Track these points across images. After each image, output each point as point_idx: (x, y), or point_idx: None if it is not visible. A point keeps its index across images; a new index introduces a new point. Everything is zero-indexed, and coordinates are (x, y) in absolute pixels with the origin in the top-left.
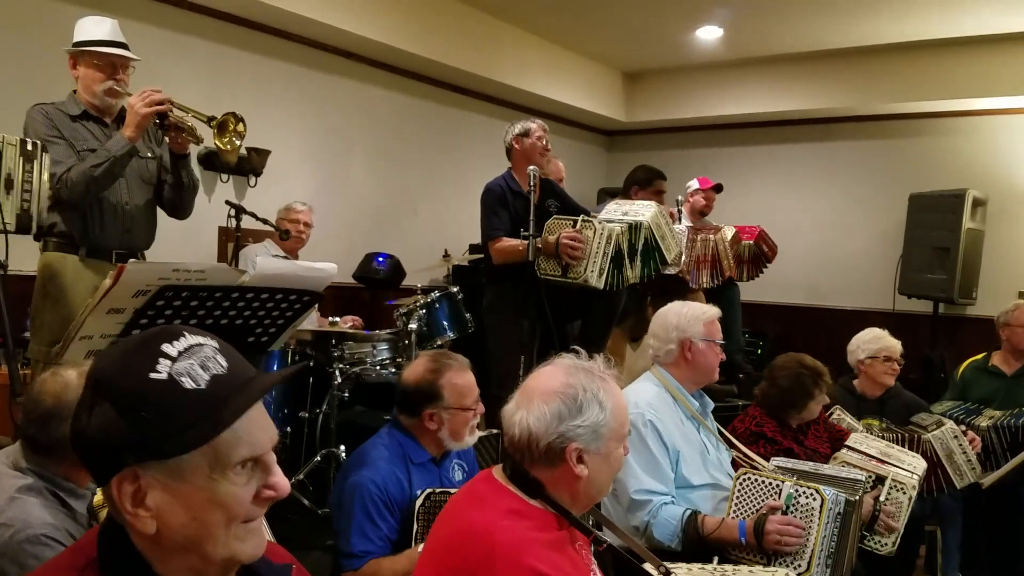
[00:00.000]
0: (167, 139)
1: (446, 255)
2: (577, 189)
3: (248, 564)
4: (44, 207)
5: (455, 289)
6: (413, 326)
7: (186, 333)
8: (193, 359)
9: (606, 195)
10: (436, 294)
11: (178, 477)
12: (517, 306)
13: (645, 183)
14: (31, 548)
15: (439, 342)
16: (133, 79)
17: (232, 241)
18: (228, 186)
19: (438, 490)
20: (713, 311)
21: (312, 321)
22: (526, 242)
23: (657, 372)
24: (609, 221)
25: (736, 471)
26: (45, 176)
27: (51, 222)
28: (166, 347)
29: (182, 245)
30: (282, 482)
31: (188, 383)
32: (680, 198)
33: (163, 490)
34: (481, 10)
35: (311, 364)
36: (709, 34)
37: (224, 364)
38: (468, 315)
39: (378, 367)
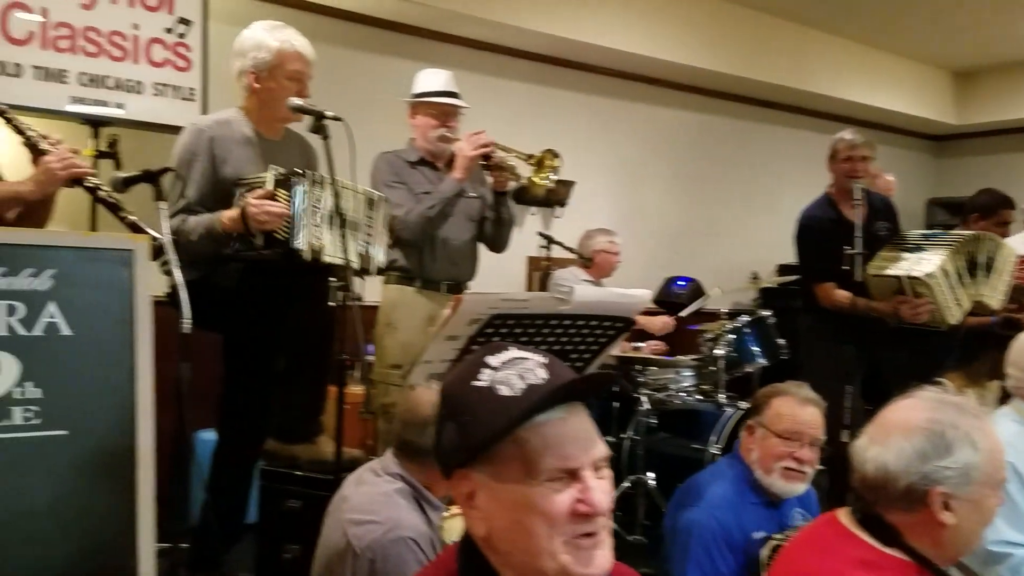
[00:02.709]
0: (491, 178)
1: (755, 277)
2: (902, 200)
3: None
4: (383, 254)
5: (767, 313)
6: (720, 352)
7: (511, 348)
8: (512, 370)
9: (936, 206)
10: (745, 318)
11: (498, 479)
12: (839, 331)
13: (988, 211)
14: (395, 549)
15: (748, 369)
16: (459, 125)
17: (539, 270)
18: (536, 218)
19: (777, 536)
20: None
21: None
22: (857, 299)
23: (1018, 407)
24: (919, 248)
25: None
26: (383, 226)
27: (392, 258)
28: (489, 359)
29: (495, 275)
30: (595, 497)
31: (504, 391)
32: None
33: (487, 491)
34: (786, 19)
35: (617, 387)
36: None
37: (544, 376)
38: (781, 341)
39: (682, 393)
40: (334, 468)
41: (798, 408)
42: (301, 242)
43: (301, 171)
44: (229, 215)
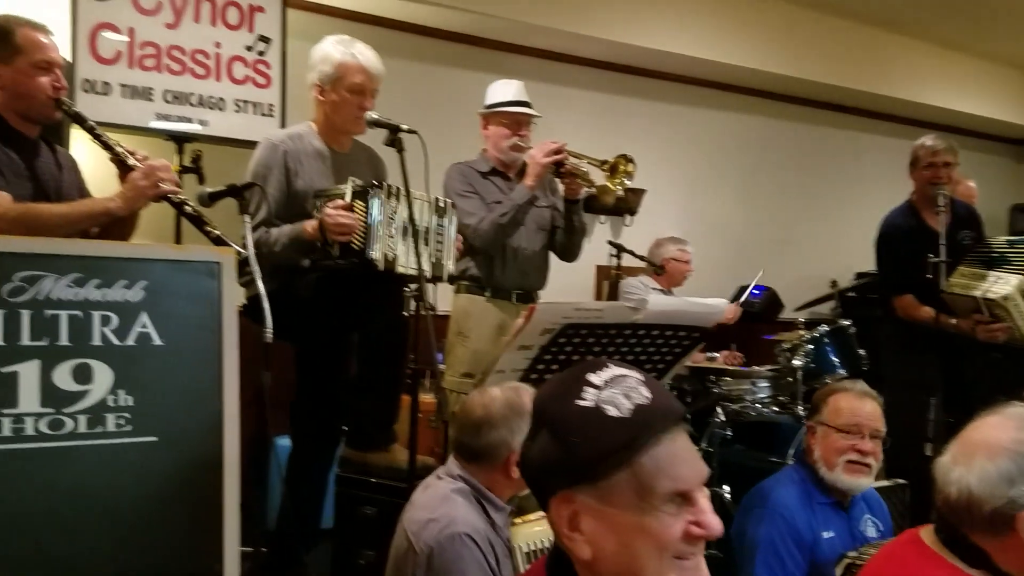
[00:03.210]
0: (562, 186)
1: (833, 285)
2: (984, 207)
3: None
4: (453, 261)
5: (847, 323)
6: (798, 363)
7: (610, 364)
8: (617, 388)
9: (1020, 212)
10: (824, 328)
11: (607, 503)
12: (921, 341)
13: None
14: (451, 545)
15: (828, 380)
16: (531, 135)
17: (608, 279)
18: (606, 227)
19: (850, 553)
20: None
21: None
22: (939, 316)
23: None
24: (995, 262)
25: None
26: (454, 231)
27: (463, 267)
28: (591, 377)
29: (564, 285)
30: (712, 521)
31: (612, 411)
32: None
33: (594, 515)
34: (862, 22)
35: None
36: None
37: (648, 395)
38: (862, 351)
39: (758, 405)
40: (408, 476)
41: (856, 402)
42: (376, 252)
43: (378, 183)
44: (312, 224)
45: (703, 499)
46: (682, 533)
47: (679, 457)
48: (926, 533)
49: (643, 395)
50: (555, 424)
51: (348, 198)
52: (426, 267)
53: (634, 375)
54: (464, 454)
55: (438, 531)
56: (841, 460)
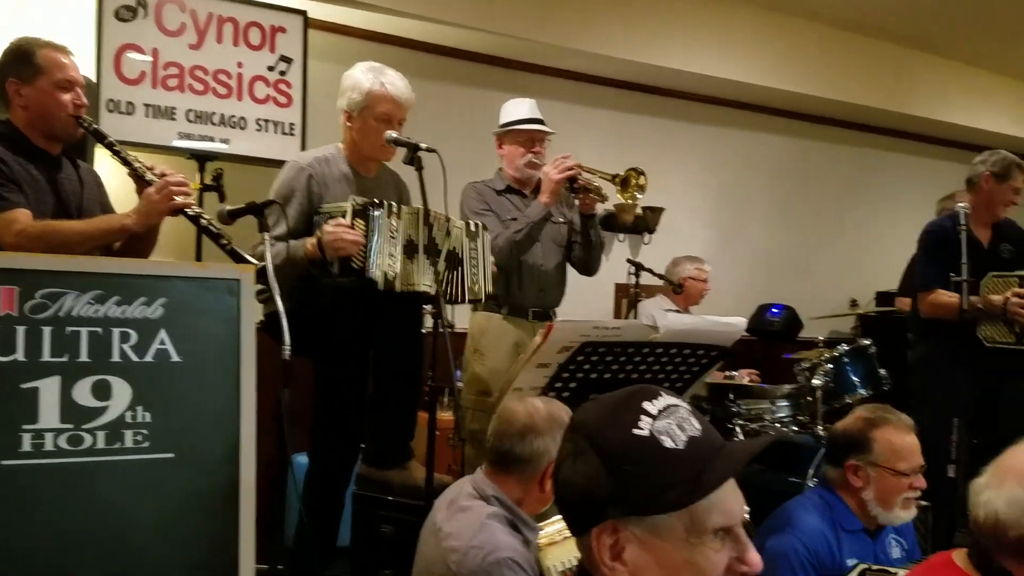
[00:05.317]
0: (577, 201)
1: (853, 304)
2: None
3: None
4: (491, 282)
5: (867, 342)
6: (818, 382)
7: (663, 393)
8: (672, 419)
9: None
10: (845, 347)
11: (656, 536)
12: (952, 362)
13: None
14: (498, 571)
15: (848, 400)
16: (548, 153)
17: (627, 297)
18: (624, 245)
19: (874, 567)
20: None
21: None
22: (969, 298)
23: None
24: None
25: None
26: (488, 255)
27: None
28: (647, 405)
29: (582, 302)
30: (756, 558)
31: (668, 442)
32: None
33: (640, 547)
34: (884, 40)
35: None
36: None
37: (698, 427)
38: (883, 371)
39: (778, 424)
40: (425, 494)
41: (908, 438)
42: (376, 271)
43: (379, 201)
44: (311, 241)
45: (744, 534)
46: (726, 569)
47: (730, 493)
48: (958, 556)
49: (695, 427)
50: (608, 450)
51: (348, 216)
52: (430, 286)
53: (684, 405)
54: (502, 462)
55: (482, 558)
56: (900, 499)
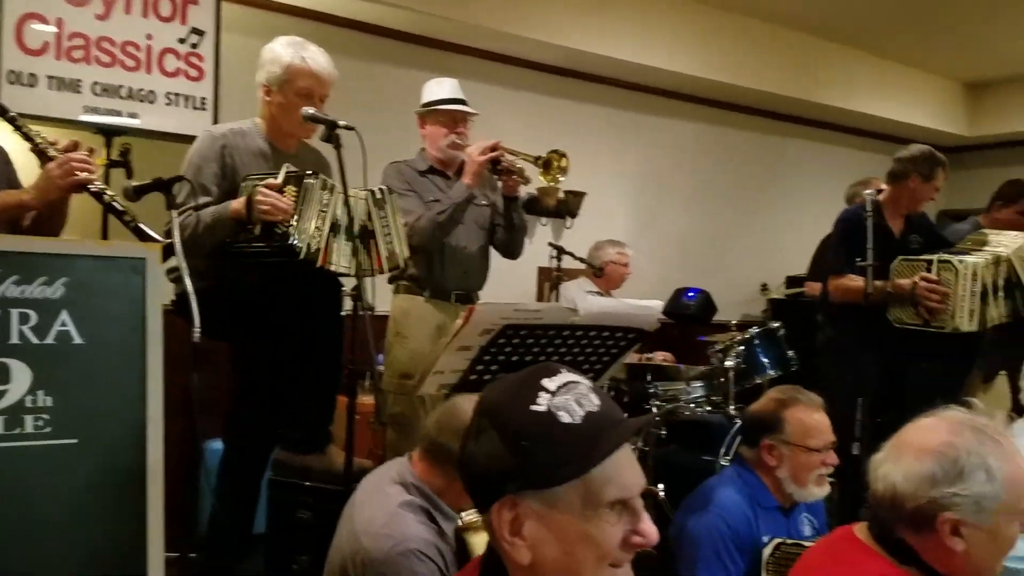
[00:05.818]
0: (500, 183)
1: (764, 288)
2: None
3: None
4: (405, 244)
5: (776, 324)
6: (730, 363)
7: (563, 370)
8: (570, 395)
9: (948, 218)
10: (755, 330)
11: (553, 509)
12: (859, 344)
13: (1011, 199)
14: (406, 561)
15: (758, 380)
16: (471, 135)
17: (549, 280)
18: (547, 229)
19: (789, 541)
20: None
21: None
22: (875, 282)
23: None
24: (962, 253)
25: None
26: (399, 217)
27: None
28: (545, 382)
29: (505, 285)
30: (651, 529)
31: (565, 417)
32: None
33: (538, 521)
34: (798, 30)
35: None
36: None
37: (597, 402)
38: (791, 352)
39: (692, 405)
40: (344, 479)
41: (818, 416)
42: (298, 240)
43: (313, 173)
44: (237, 202)
45: (641, 506)
46: (622, 541)
47: (626, 466)
48: (859, 529)
49: (593, 402)
50: (507, 427)
51: (281, 177)
52: (349, 267)
53: (584, 382)
54: (435, 454)
55: (390, 547)
56: (813, 476)
